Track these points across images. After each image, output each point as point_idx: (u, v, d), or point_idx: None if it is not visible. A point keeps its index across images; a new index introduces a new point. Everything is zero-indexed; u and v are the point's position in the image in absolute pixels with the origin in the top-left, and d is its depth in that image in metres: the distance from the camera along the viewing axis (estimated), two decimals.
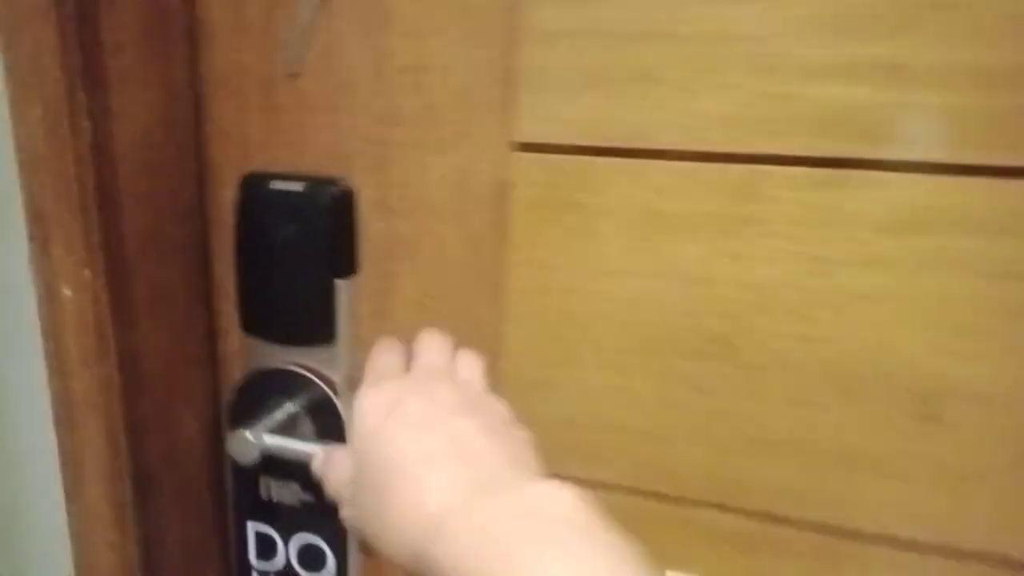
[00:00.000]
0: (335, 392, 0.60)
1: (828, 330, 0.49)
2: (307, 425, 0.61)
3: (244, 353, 0.63)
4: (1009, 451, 0.47)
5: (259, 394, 0.61)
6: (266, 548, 0.66)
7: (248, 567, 0.68)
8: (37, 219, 0.52)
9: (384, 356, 0.48)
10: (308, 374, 0.60)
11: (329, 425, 0.61)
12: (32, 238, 0.52)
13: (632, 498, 0.57)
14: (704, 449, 0.54)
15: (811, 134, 0.47)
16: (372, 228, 0.58)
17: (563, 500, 0.32)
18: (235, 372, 0.65)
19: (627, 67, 0.49)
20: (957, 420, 0.48)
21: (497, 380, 0.58)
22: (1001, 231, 0.45)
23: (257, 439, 0.56)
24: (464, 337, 0.58)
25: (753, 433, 0.52)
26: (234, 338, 0.64)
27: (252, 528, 0.66)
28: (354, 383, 0.61)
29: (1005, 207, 0.44)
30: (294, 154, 0.59)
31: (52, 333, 0.54)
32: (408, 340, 0.58)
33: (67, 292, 0.51)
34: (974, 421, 0.48)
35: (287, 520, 0.65)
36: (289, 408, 0.60)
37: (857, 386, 0.50)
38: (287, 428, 0.60)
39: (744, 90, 0.47)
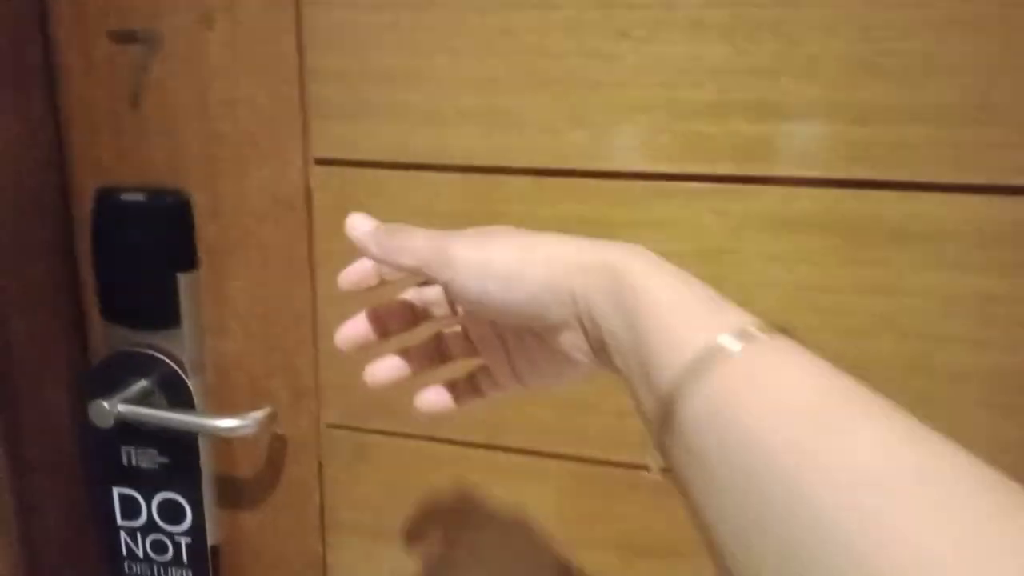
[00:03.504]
0: (183, 369, 0.73)
1: None
2: (159, 398, 0.73)
3: (104, 338, 0.75)
4: None
5: (116, 372, 0.73)
6: (130, 508, 0.78)
7: (116, 528, 0.79)
8: None
9: None
10: (158, 354, 0.72)
11: (178, 398, 0.73)
12: None
13: (431, 444, 0.71)
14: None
15: (533, 150, 0.62)
16: (206, 230, 0.71)
17: None
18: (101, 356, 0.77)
19: (389, 99, 0.63)
20: None
21: (316, 353, 0.71)
22: None
23: (112, 407, 0.68)
24: (285, 316, 0.71)
25: None
26: (100, 327, 0.76)
27: (116, 492, 0.78)
28: (199, 362, 0.73)
29: None
30: (138, 171, 0.71)
31: None
32: (243, 321, 0.72)
33: None
34: None
35: (147, 482, 0.77)
36: (142, 383, 0.72)
37: None
38: (141, 400, 0.72)
39: (476, 114, 0.62)
